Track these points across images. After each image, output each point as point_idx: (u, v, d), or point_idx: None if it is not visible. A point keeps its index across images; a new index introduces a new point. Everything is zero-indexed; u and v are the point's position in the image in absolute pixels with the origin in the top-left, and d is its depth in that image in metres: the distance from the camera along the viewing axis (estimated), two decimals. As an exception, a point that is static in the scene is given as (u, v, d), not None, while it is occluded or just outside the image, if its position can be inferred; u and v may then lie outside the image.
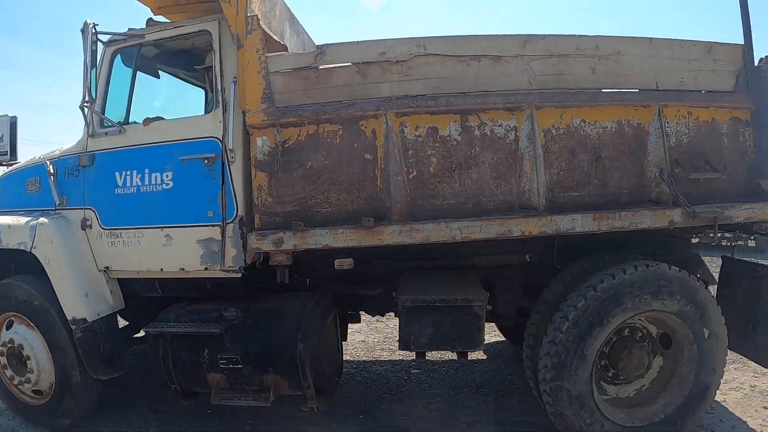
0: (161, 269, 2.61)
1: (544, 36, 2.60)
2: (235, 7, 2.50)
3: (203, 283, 2.65)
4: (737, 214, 2.72)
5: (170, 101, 3.30)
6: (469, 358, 4.19)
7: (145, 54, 2.90)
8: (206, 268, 2.56)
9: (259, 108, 2.47)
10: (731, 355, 4.16)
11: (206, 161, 2.53)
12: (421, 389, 3.58)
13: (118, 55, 2.75)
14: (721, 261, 3.41)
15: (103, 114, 2.68)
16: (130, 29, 2.76)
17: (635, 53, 2.69)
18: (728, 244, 13.76)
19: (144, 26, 2.81)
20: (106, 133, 2.67)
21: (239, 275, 2.60)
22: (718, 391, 3.52)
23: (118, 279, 2.74)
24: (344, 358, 4.13)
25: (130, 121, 2.75)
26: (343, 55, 2.52)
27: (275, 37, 2.82)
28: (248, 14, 2.49)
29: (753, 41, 2.82)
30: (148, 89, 3.16)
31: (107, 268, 2.68)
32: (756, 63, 2.87)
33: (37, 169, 2.81)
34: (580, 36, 2.64)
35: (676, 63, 2.74)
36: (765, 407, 3.35)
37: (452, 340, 2.59)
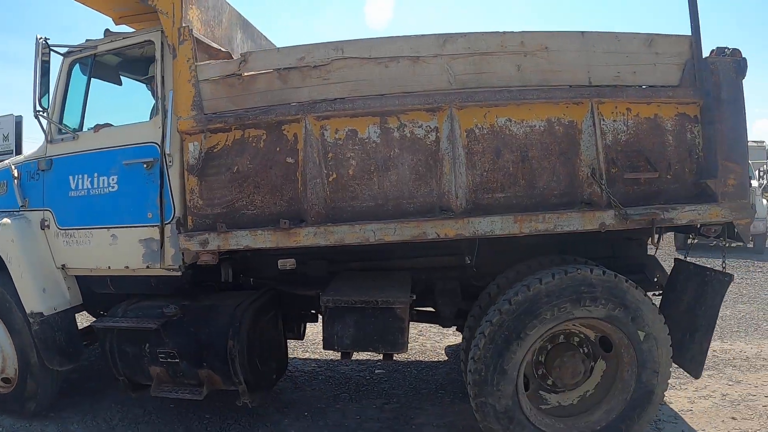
0: (109, 267, 2.83)
1: (465, 34, 2.60)
2: (171, 18, 2.69)
3: (148, 280, 2.86)
4: (679, 216, 2.60)
5: (128, 108, 3.56)
6: (430, 359, 4.24)
7: (108, 62, 3.14)
8: (148, 267, 2.76)
9: (189, 115, 2.64)
10: (707, 362, 4.02)
11: (146, 165, 2.74)
12: (381, 389, 3.64)
13: (77, 65, 3.00)
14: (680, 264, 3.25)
15: (61, 122, 2.96)
16: (87, 40, 3.01)
17: (566, 48, 2.63)
18: (727, 245, 13.03)
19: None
20: (62, 140, 2.93)
21: (179, 273, 2.78)
22: (687, 401, 3.42)
23: (76, 276, 2.99)
24: (312, 356, 4.30)
25: (85, 127, 3.02)
26: (265, 62, 2.64)
27: (215, 45, 2.98)
28: (182, 25, 2.67)
29: (701, 33, 2.68)
30: (113, 96, 3.43)
31: (64, 265, 2.93)
32: (708, 55, 2.74)
33: (4, 173, 3.13)
34: (504, 32, 2.61)
35: (612, 57, 2.65)
36: (733, 417, 3.18)
37: (375, 342, 2.65)
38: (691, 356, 2.84)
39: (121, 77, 3.38)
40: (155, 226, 2.72)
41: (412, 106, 2.56)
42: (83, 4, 2.93)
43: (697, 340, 2.79)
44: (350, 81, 2.59)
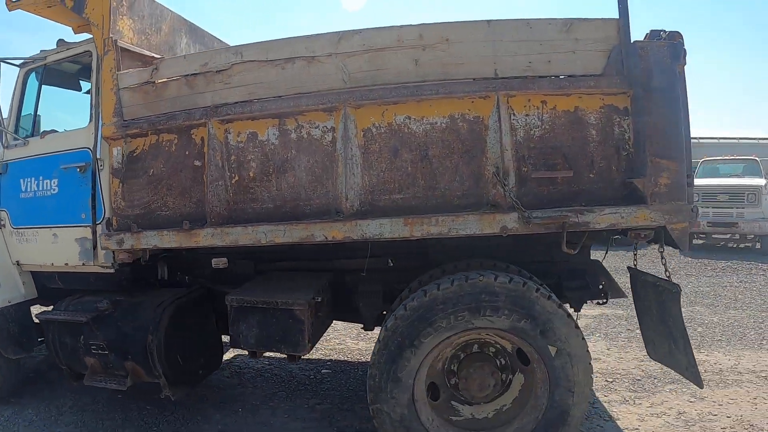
0: (52, 264, 3.15)
1: (360, 31, 2.56)
2: (101, 30, 2.94)
3: (88, 277, 3.16)
4: (597, 219, 2.36)
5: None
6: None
7: (67, 70, 3.48)
8: (83, 264, 3.05)
9: (111, 121, 2.87)
10: (670, 375, 3.74)
11: (80, 169, 3.03)
12: (320, 389, 3.70)
13: (32, 75, 3.36)
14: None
15: (16, 129, 3.33)
16: (42, 51, 3.37)
17: (469, 39, 2.49)
18: (735, 246, 11.11)
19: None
20: (16, 145, 3.31)
21: (112, 271, 3.05)
22: (636, 419, 3.12)
23: (32, 272, 3.37)
24: (268, 354, 4.42)
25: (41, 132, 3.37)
26: (174, 69, 2.79)
27: (147, 53, 3.19)
28: (108, 36, 2.91)
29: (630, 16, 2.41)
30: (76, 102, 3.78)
31: (18, 262, 3.31)
32: (643, 39, 2.46)
33: None
34: (402, 26, 2.53)
35: (522, 46, 2.46)
36: (682, 438, 2.86)
37: (277, 342, 2.71)
38: (686, 366, 2.61)
39: (81, 83, 3.71)
40: (88, 226, 3.00)
41: (307, 107, 2.58)
42: (39, 15, 3.26)
43: (683, 350, 2.56)
44: (249, 84, 2.66)
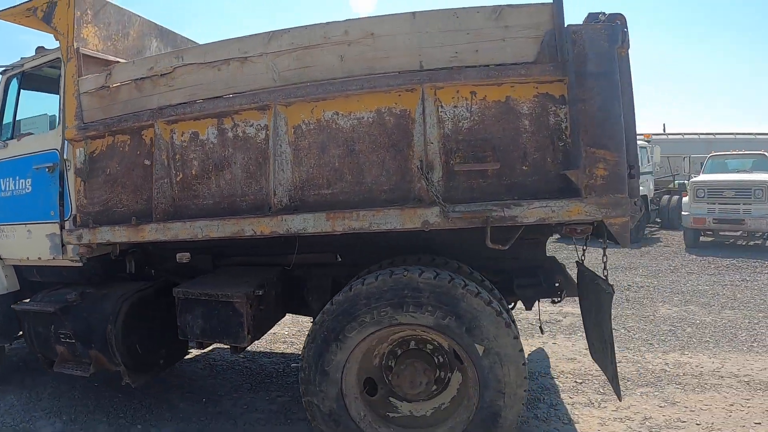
0: (28, 258, 3.44)
1: (289, 29, 2.60)
2: (66, 38, 3.17)
3: (60, 270, 3.43)
4: (524, 214, 2.28)
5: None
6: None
7: (50, 75, 3.75)
8: (54, 258, 3.31)
9: (73, 124, 3.09)
10: (646, 378, 3.67)
11: (49, 169, 3.29)
12: (285, 382, 3.80)
13: (13, 81, 3.63)
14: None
15: (13, 133, 3.65)
16: (22, 58, 3.67)
17: (394, 32, 2.47)
18: (744, 244, 10.57)
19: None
20: None
21: (80, 264, 3.29)
22: (597, 423, 3.01)
23: (15, 266, 3.67)
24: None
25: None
26: (126, 73, 2.96)
27: (112, 58, 3.39)
28: (72, 44, 3.13)
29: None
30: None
31: (0, 257, 3.64)
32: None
33: None
34: (328, 23, 2.55)
35: (449, 36, 2.42)
36: (644, 448, 2.73)
37: (219, 334, 2.83)
38: (611, 375, 2.54)
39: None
40: (57, 222, 3.25)
41: (241, 106, 2.66)
42: (20, 24, 3.52)
43: (610, 357, 2.49)
44: (190, 86, 2.78)
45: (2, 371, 3.86)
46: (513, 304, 3.47)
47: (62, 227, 3.25)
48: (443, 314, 2.38)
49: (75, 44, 3.11)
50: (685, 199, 10.29)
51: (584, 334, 4.82)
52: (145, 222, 2.85)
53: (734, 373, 3.76)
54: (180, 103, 2.80)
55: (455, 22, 2.42)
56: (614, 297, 4.08)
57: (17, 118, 3.61)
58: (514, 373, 2.39)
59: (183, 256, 3.17)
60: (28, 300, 3.52)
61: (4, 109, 3.62)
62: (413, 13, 2.47)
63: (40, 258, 3.37)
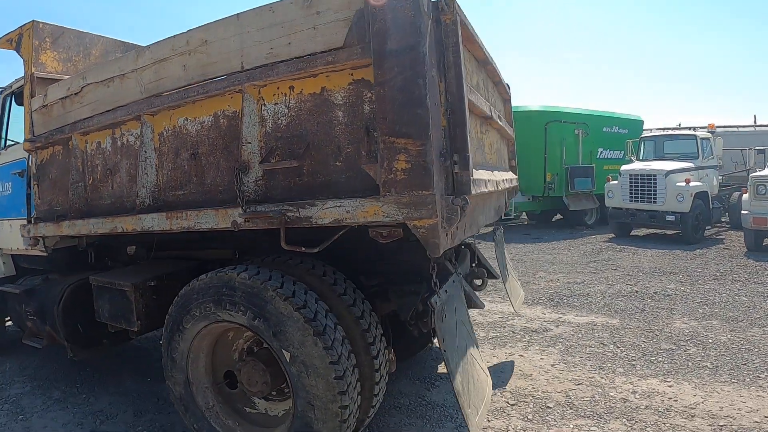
0: (10, 248, 4.31)
1: (150, 46, 2.92)
2: (28, 64, 3.94)
3: (35, 259, 4.24)
4: (320, 214, 2.25)
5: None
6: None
7: None
8: (27, 249, 4.11)
9: (28, 137, 3.84)
10: (596, 408, 3.44)
11: (20, 174, 4.11)
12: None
13: (8, 99, 4.44)
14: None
15: (2, 145, 4.54)
16: (15, 80, 4.47)
17: (223, 37, 2.61)
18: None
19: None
20: None
21: (46, 254, 4.04)
22: None
23: (12, 255, 4.58)
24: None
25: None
26: (55, 93, 3.56)
27: (66, 78, 4.09)
28: (30, 69, 3.88)
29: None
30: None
31: None
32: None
33: None
34: (175, 36, 2.79)
35: (265, 33, 2.46)
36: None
37: (119, 318, 3.29)
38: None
39: None
40: (24, 218, 4.06)
41: (122, 117, 3.03)
42: (9, 49, 4.39)
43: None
44: (92, 102, 3.26)
45: (2, 343, 4.87)
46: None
47: (28, 223, 4.06)
48: (253, 315, 2.46)
49: (32, 69, 3.85)
50: (745, 197, 8.88)
51: (562, 348, 4.55)
52: (62, 219, 3.45)
53: (711, 413, 3.19)
54: (87, 117, 3.32)
55: (271, 17, 2.44)
56: (628, 308, 3.79)
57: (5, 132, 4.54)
58: (323, 386, 2.34)
59: (131, 249, 3.75)
60: (9, 283, 4.43)
61: (1, 123, 4.58)
62: (237, 15, 2.58)
63: (18, 248, 4.24)
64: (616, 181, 11.66)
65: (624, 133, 14.56)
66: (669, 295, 6.35)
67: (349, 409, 2.39)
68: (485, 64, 3.32)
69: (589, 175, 13.73)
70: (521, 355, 4.53)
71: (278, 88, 2.48)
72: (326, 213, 2.25)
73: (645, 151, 12.19)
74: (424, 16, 2.04)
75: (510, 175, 4.37)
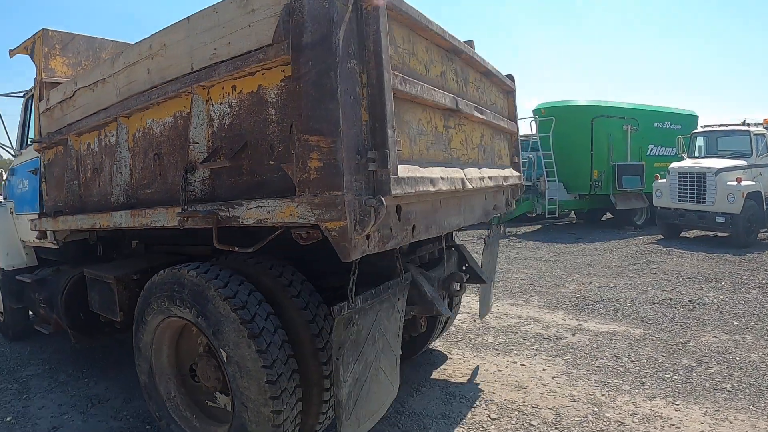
0: (30, 240, 4.69)
1: (123, 51, 3.13)
2: (40, 70, 4.34)
3: (49, 250, 4.59)
4: (245, 214, 2.28)
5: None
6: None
7: None
8: (41, 241, 4.47)
9: (37, 138, 4.22)
10: (581, 428, 3.29)
11: (34, 173, 4.52)
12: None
13: (30, 101, 4.85)
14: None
15: (22, 144, 4.99)
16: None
17: (177, 39, 2.70)
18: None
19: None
20: (16, 156, 5.02)
21: (57, 246, 4.40)
22: None
23: (34, 247, 4.99)
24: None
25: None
26: (55, 98, 3.89)
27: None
28: (40, 75, 4.26)
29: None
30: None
31: (21, 239, 4.99)
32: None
33: None
34: (142, 40, 2.96)
35: (210, 34, 2.53)
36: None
37: (104, 308, 3.55)
38: None
39: None
40: (36, 213, 4.46)
41: (105, 119, 3.23)
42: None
43: None
44: (83, 105, 3.52)
45: (24, 327, 5.33)
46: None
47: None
48: (197, 313, 2.56)
49: (42, 75, 4.23)
50: None
51: (569, 360, 4.35)
52: (59, 215, 3.77)
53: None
54: (78, 120, 3.60)
55: (215, 18, 2.50)
56: (657, 317, 3.53)
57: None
58: (255, 389, 2.37)
59: (134, 244, 4.05)
60: (27, 273, 4.88)
61: (23, 124, 5.06)
62: (188, 18, 2.68)
63: (34, 241, 4.67)
64: (664, 180, 10.93)
65: (676, 129, 13.65)
66: (705, 304, 5.90)
67: (283, 414, 2.39)
68: (456, 52, 3.18)
69: (638, 172, 13.06)
70: (523, 365, 4.36)
71: (223, 87, 2.55)
72: (250, 213, 2.27)
73: (697, 148, 11.29)
74: (339, 5, 1.98)
75: (507, 172, 4.20)
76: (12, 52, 4.64)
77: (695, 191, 10.01)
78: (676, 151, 12.32)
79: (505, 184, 3.89)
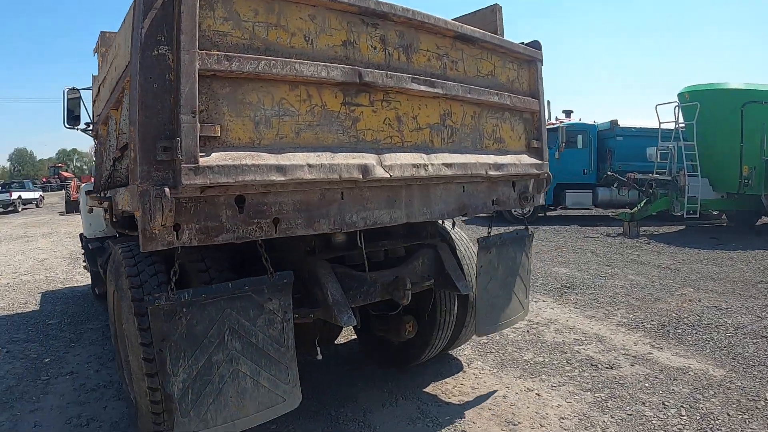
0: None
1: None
2: (98, 67, 5.06)
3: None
4: (118, 200, 2.61)
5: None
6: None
7: None
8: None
9: (93, 120, 4.95)
10: None
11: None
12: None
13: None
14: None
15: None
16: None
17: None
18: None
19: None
20: None
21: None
22: None
23: None
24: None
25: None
26: (94, 90, 4.51)
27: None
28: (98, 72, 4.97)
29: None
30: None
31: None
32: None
33: None
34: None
35: None
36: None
37: None
38: None
39: None
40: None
41: (106, 113, 3.74)
42: None
43: None
44: (102, 99, 4.06)
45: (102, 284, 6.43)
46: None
47: None
48: (114, 288, 3.02)
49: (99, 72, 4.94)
50: None
51: (604, 395, 3.68)
52: (91, 193, 4.42)
53: None
54: (101, 111, 4.15)
55: None
56: (758, 355, 3.80)
57: None
58: (135, 363, 2.61)
59: None
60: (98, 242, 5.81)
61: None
62: None
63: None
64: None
65: None
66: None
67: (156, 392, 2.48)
68: (381, 16, 2.67)
69: (797, 170, 10.41)
70: (539, 394, 3.73)
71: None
72: (119, 200, 2.59)
73: None
74: None
75: (511, 158, 3.46)
76: (94, 51, 5.50)
77: None
78: None
79: (499, 173, 3.26)
